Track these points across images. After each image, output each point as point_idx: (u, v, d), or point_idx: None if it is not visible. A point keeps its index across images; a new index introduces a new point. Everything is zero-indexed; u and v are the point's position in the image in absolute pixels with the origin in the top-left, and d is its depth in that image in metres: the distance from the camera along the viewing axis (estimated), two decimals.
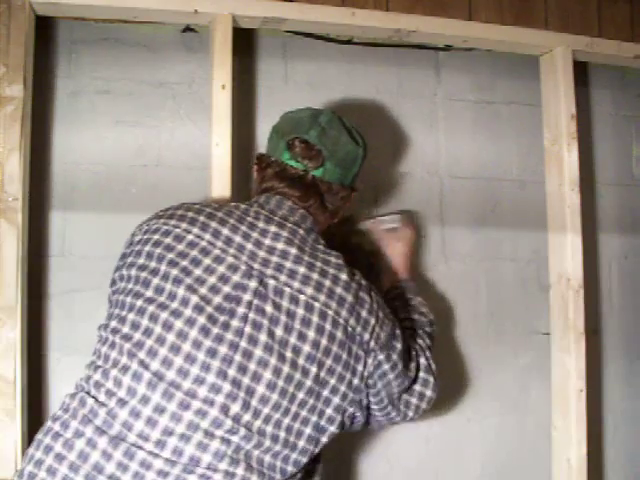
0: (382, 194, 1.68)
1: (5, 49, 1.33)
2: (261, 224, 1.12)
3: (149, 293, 1.05)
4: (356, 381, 1.09)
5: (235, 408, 0.99)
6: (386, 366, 1.12)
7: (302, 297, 1.05)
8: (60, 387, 1.43)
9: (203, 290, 1.03)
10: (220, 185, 1.42)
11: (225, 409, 0.99)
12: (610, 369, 1.84)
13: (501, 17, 1.72)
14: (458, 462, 1.70)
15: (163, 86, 1.57)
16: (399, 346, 1.15)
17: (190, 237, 1.08)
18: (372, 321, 1.10)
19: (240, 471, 0.98)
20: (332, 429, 1.08)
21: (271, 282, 1.06)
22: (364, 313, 1.10)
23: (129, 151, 1.54)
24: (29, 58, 1.38)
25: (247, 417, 1.00)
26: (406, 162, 1.72)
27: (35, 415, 1.39)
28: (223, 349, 1.00)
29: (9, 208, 1.31)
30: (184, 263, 1.05)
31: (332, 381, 1.06)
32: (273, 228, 1.12)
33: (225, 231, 1.09)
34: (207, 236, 1.08)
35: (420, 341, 1.30)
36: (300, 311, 1.05)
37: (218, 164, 1.42)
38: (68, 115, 1.50)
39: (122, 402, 0.99)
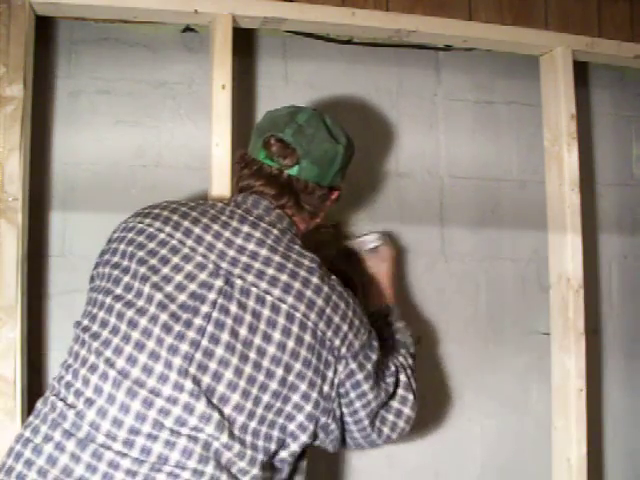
0: (382, 194, 1.68)
1: (5, 49, 1.33)
2: (234, 223, 1.12)
3: (118, 291, 1.06)
4: (326, 388, 1.07)
5: (200, 406, 0.98)
6: (359, 376, 1.10)
7: (269, 298, 1.04)
8: None
9: (169, 288, 1.04)
10: (220, 185, 1.42)
11: (190, 407, 0.98)
12: (610, 369, 1.84)
13: (501, 17, 1.72)
14: (458, 462, 1.70)
15: (163, 86, 1.57)
16: (374, 357, 1.13)
17: (162, 236, 1.09)
18: (344, 327, 1.08)
19: (209, 469, 0.98)
20: (304, 438, 1.05)
21: (238, 282, 1.05)
22: (336, 319, 1.07)
23: (129, 151, 1.54)
24: (29, 58, 1.38)
25: (215, 415, 0.99)
26: (406, 162, 1.72)
27: None
28: (184, 347, 1.00)
29: (9, 208, 1.31)
30: (153, 261, 1.06)
31: (303, 386, 1.04)
32: (246, 228, 1.11)
33: (197, 230, 1.09)
34: (178, 235, 1.08)
35: (402, 359, 1.26)
36: (266, 312, 1.03)
37: (218, 164, 1.42)
38: (68, 115, 1.50)
39: (90, 402, 1.00)
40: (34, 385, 1.39)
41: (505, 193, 1.79)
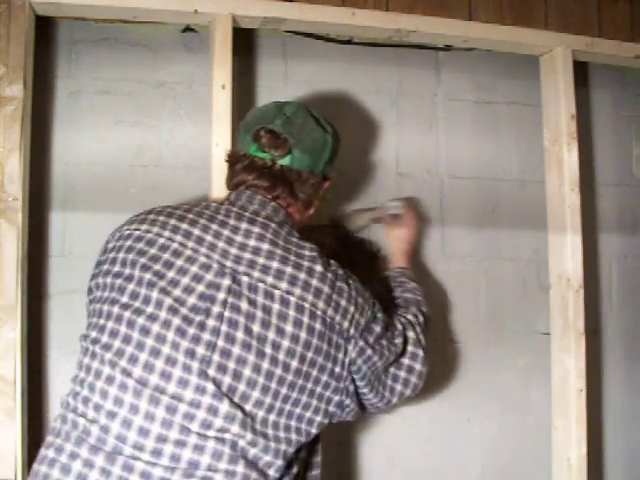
0: (382, 194, 1.68)
1: (5, 49, 1.33)
2: (232, 221, 1.11)
3: (125, 299, 1.04)
4: (337, 369, 1.08)
5: (224, 407, 0.98)
6: (369, 351, 1.11)
7: (277, 292, 1.04)
8: (60, 387, 1.43)
9: (177, 292, 1.03)
10: (220, 185, 1.41)
11: (214, 409, 0.98)
12: (610, 369, 1.84)
13: (501, 17, 1.72)
14: (458, 462, 1.70)
15: (163, 86, 1.57)
16: (378, 329, 1.14)
17: (162, 240, 1.07)
18: (351, 309, 1.09)
19: (240, 468, 0.98)
20: (319, 419, 1.07)
21: (244, 279, 1.04)
22: (343, 302, 1.08)
23: (129, 151, 1.54)
24: (29, 58, 1.38)
25: (239, 414, 0.99)
26: (406, 162, 1.72)
27: (35, 415, 1.39)
28: (201, 349, 1.00)
29: (9, 208, 1.31)
30: (157, 267, 1.05)
31: (314, 372, 1.05)
32: (244, 225, 1.10)
33: (196, 231, 1.08)
34: (178, 237, 1.07)
35: (410, 317, 1.29)
36: (276, 306, 1.03)
37: (218, 164, 1.42)
38: (68, 115, 1.50)
39: (112, 414, 0.98)
40: (34, 385, 1.39)
41: (505, 193, 1.79)
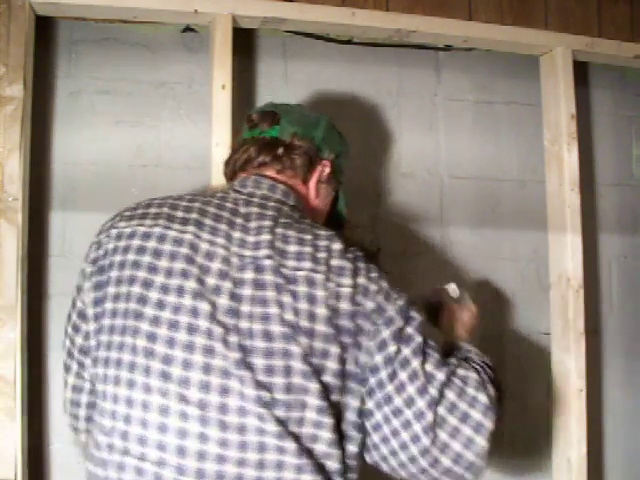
0: (382, 195, 1.68)
1: (5, 49, 1.33)
2: (242, 209, 1.03)
3: (150, 311, 0.93)
4: (362, 358, 0.94)
5: (271, 427, 0.89)
6: (392, 348, 0.94)
7: (300, 273, 0.95)
8: (60, 387, 1.43)
9: (212, 296, 0.93)
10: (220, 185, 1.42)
11: (261, 430, 0.89)
12: (610, 369, 1.84)
13: (501, 17, 1.72)
14: None
15: (163, 86, 1.57)
16: (411, 330, 0.96)
17: (173, 234, 0.97)
18: (373, 287, 0.96)
19: (308, 476, 0.90)
20: (351, 413, 0.94)
21: (267, 265, 0.95)
22: (363, 280, 0.97)
23: (129, 151, 1.54)
24: (29, 58, 1.38)
25: (283, 428, 0.90)
26: (406, 162, 1.72)
27: (35, 415, 1.39)
28: (236, 354, 0.90)
29: (9, 208, 1.31)
30: (180, 265, 0.95)
31: (338, 364, 0.93)
32: (255, 209, 1.03)
33: (208, 221, 1.00)
34: (190, 228, 0.98)
35: (475, 363, 1.06)
36: (302, 289, 0.94)
37: (218, 164, 1.41)
38: (68, 115, 1.50)
39: (163, 446, 0.89)
40: (34, 385, 1.39)
41: (505, 193, 1.79)
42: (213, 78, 1.45)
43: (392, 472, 0.99)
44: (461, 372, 0.99)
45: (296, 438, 0.89)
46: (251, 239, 0.99)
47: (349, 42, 1.69)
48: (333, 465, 0.92)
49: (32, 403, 1.37)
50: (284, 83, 1.65)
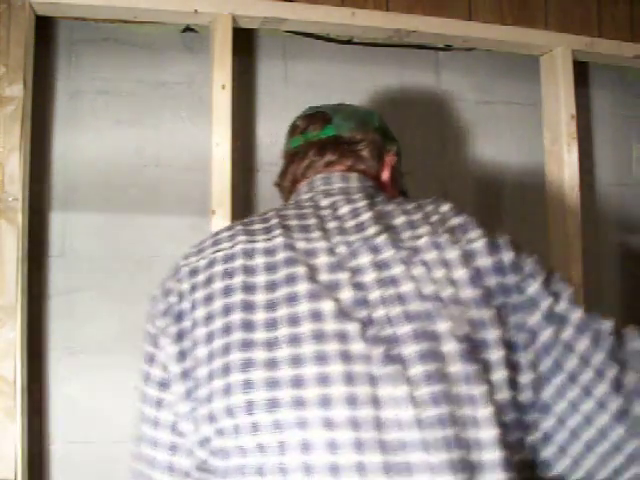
0: None
1: (5, 49, 1.33)
2: (324, 202, 0.92)
3: (262, 335, 0.77)
4: (519, 318, 0.78)
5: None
6: (547, 301, 0.79)
7: (422, 241, 0.82)
8: (60, 387, 1.43)
9: (331, 293, 0.78)
10: (220, 185, 1.42)
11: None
12: None
13: (501, 17, 1.72)
14: None
15: (163, 86, 1.57)
16: (565, 304, 0.81)
17: (262, 245, 0.84)
18: (500, 240, 0.85)
19: None
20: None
21: (381, 239, 0.82)
22: (487, 234, 0.85)
23: (129, 151, 1.54)
24: (29, 58, 1.38)
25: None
26: (406, 162, 1.72)
27: (35, 415, 1.39)
28: (378, 349, 0.74)
29: (9, 208, 1.31)
30: (282, 273, 0.80)
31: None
32: (339, 197, 0.91)
33: (293, 223, 0.86)
34: (277, 234, 0.85)
35: None
36: (432, 256, 0.80)
37: (218, 164, 1.42)
38: (68, 115, 1.50)
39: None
40: (34, 385, 1.39)
41: (505, 193, 1.79)
42: (213, 78, 1.45)
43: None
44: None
45: (465, 445, 0.71)
46: (350, 223, 0.86)
47: (349, 42, 1.69)
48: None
49: (32, 403, 1.37)
50: (284, 83, 1.65)
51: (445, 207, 0.88)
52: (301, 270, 0.80)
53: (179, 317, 0.82)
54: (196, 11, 1.45)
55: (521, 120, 1.82)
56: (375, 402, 0.71)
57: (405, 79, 1.74)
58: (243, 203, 1.56)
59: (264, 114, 1.62)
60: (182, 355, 0.80)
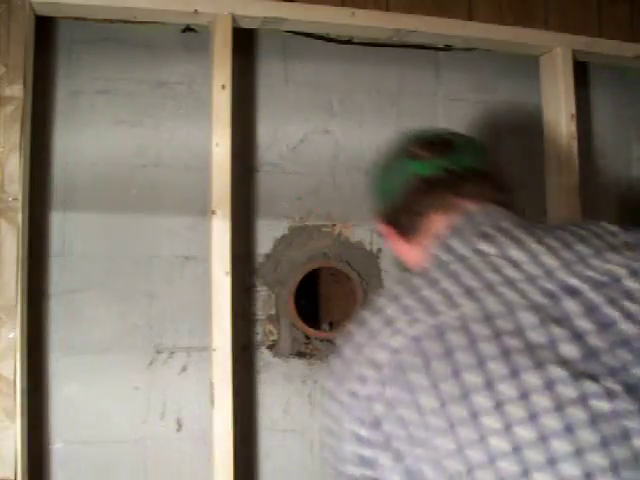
0: None
1: (5, 49, 1.33)
2: (527, 238, 0.87)
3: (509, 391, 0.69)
4: None
5: None
6: None
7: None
8: (60, 387, 1.43)
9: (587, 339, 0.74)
10: (220, 185, 1.42)
11: None
12: None
13: (501, 17, 1.72)
14: None
15: (163, 86, 1.57)
16: None
17: (472, 308, 0.76)
18: None
19: None
20: None
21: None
22: None
23: (129, 151, 1.54)
24: (29, 58, 1.38)
25: None
26: None
27: (35, 415, 1.39)
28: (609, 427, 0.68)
29: (9, 208, 1.31)
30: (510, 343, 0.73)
31: None
32: (534, 244, 0.84)
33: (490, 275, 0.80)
34: (481, 286, 0.78)
35: None
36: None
37: (218, 164, 1.42)
38: (68, 115, 1.50)
39: None
40: (34, 385, 1.39)
41: None
42: (213, 78, 1.45)
43: None
44: None
45: None
46: (570, 255, 0.82)
47: (349, 42, 1.69)
48: None
49: (32, 403, 1.37)
50: (284, 83, 1.65)
51: (613, 227, 0.91)
52: (535, 319, 0.75)
53: (380, 382, 0.76)
54: (196, 11, 1.45)
55: (521, 120, 1.82)
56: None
57: (405, 79, 1.74)
58: (243, 203, 1.56)
59: (264, 114, 1.62)
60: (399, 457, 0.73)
